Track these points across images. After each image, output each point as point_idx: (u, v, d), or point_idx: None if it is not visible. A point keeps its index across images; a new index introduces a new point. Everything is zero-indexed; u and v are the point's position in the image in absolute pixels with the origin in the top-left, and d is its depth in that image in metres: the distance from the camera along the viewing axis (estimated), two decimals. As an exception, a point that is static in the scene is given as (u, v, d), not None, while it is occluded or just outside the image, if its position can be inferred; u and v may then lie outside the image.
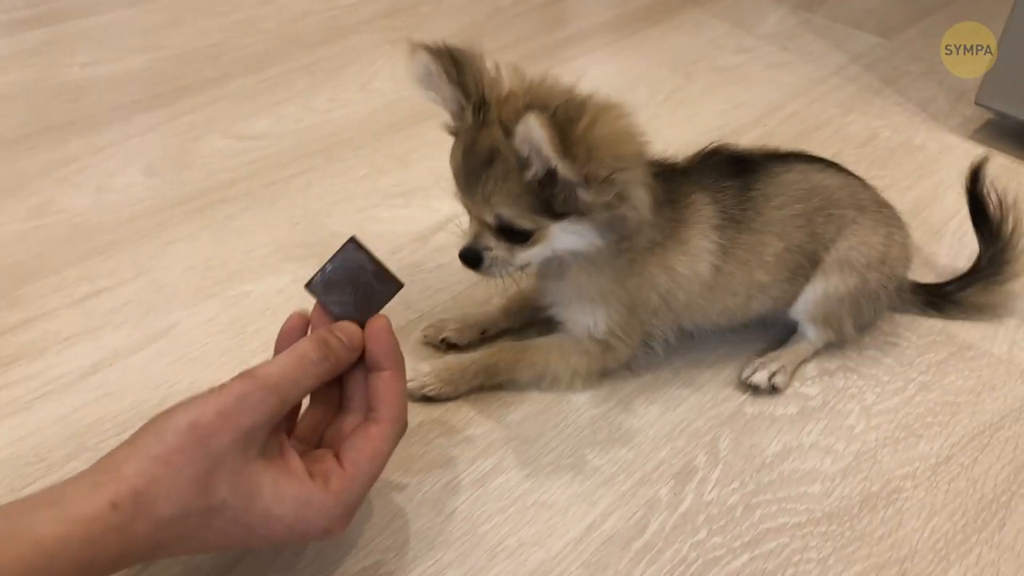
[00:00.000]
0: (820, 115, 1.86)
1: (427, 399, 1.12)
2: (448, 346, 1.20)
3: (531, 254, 1.02)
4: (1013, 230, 1.30)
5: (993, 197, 1.31)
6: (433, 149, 1.66)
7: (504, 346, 1.17)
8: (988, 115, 1.84)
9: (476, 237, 1.03)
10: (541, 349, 1.16)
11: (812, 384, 1.21)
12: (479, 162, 0.96)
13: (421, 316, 1.26)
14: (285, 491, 0.79)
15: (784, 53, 2.12)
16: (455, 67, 0.97)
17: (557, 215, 0.97)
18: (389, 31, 2.08)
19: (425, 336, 1.20)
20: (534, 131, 0.87)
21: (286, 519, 0.79)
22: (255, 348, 1.20)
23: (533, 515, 1.01)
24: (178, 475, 0.74)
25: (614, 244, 1.04)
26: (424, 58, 0.96)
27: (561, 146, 0.87)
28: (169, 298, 1.27)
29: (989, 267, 1.33)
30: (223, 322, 1.24)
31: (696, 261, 1.10)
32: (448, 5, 2.23)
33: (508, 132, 0.92)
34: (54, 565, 0.68)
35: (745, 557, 0.98)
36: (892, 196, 1.27)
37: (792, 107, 1.89)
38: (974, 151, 1.75)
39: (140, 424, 1.06)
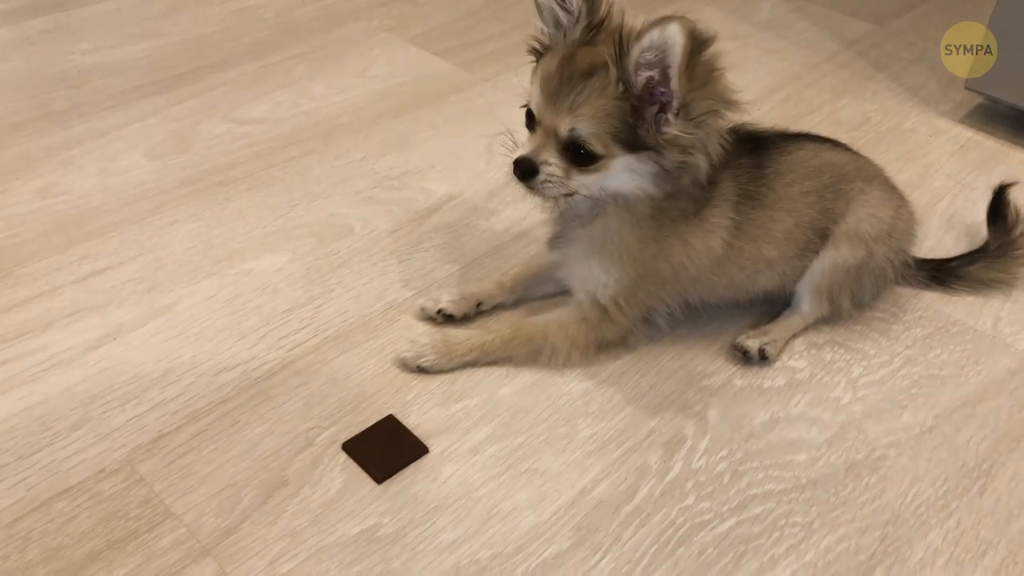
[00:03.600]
0: (813, 100, 1.88)
1: (422, 370, 1.15)
2: (445, 318, 1.22)
3: (585, 182, 1.03)
4: (1022, 235, 1.36)
5: (1012, 206, 1.37)
6: (430, 133, 1.69)
7: (501, 325, 1.20)
8: (978, 99, 1.87)
9: (538, 149, 1.03)
10: (539, 323, 1.19)
11: (800, 358, 1.23)
12: (577, 74, 0.99)
13: (418, 293, 1.29)
14: None
15: (778, 40, 2.14)
16: None
17: (630, 147, 1.00)
18: (386, 19, 2.10)
19: (423, 309, 1.23)
20: (674, 36, 0.90)
21: None
22: (254, 324, 1.23)
23: (526, 481, 1.04)
24: None
25: (658, 200, 1.06)
26: None
27: (688, 61, 0.91)
28: (170, 276, 1.30)
29: (997, 251, 1.37)
30: (223, 299, 1.27)
31: (711, 236, 1.13)
32: (445, -7, 2.26)
33: (623, 52, 0.94)
34: None
35: (732, 521, 1.01)
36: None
37: (785, 92, 1.91)
38: (964, 135, 1.78)
39: (143, 396, 1.11)
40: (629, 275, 1.13)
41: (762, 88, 1.91)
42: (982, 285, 1.35)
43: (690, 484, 1.05)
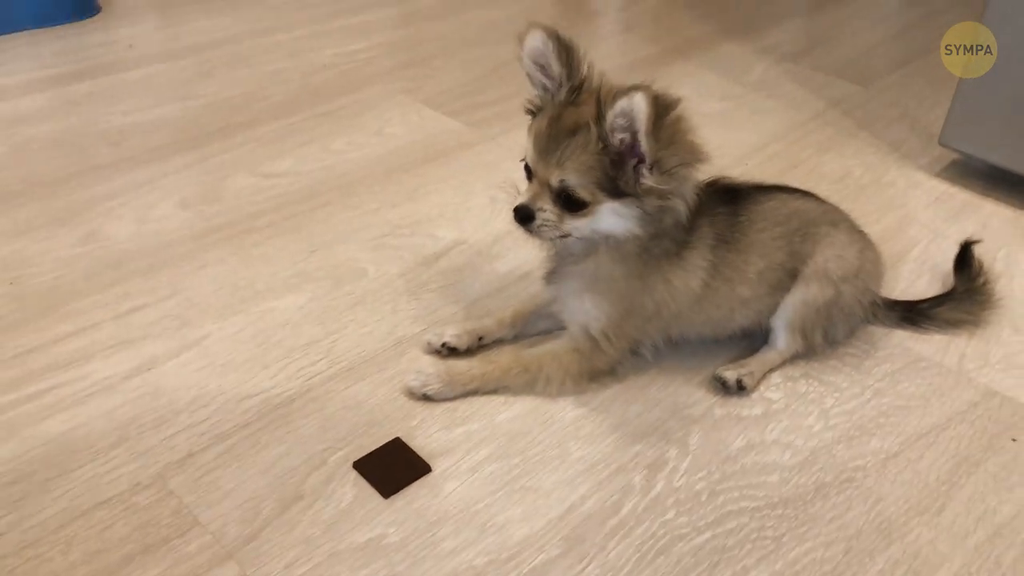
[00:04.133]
0: (798, 155, 2.01)
1: (427, 398, 1.26)
2: (449, 351, 1.34)
3: (576, 225, 1.16)
4: (985, 283, 1.49)
5: (977, 258, 1.51)
6: (439, 185, 1.83)
7: (500, 356, 1.31)
8: (954, 155, 1.99)
9: (534, 197, 1.16)
10: (535, 354, 1.30)
11: (776, 389, 1.34)
12: (563, 132, 1.12)
13: (424, 329, 1.40)
14: None
15: (768, 100, 2.28)
16: (565, 50, 1.13)
17: (614, 194, 1.12)
18: (403, 82, 2.27)
19: (428, 343, 1.34)
20: (638, 105, 1.02)
21: None
22: (275, 356, 1.35)
23: (520, 497, 1.14)
24: None
25: (644, 240, 1.18)
26: (541, 36, 1.13)
27: (653, 125, 1.04)
28: (201, 313, 1.43)
29: (963, 294, 1.49)
30: (248, 334, 1.39)
31: (691, 277, 1.25)
32: (458, 59, 2.42)
33: (601, 113, 1.07)
34: None
35: (708, 534, 1.10)
36: (860, 227, 1.42)
37: (773, 148, 2.04)
38: (939, 188, 1.90)
39: (175, 419, 1.22)
40: (617, 310, 1.24)
41: (751, 144, 2.05)
42: (949, 325, 1.46)
43: (671, 501, 1.14)
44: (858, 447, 1.24)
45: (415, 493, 1.14)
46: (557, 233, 1.18)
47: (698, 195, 1.18)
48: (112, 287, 1.48)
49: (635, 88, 1.03)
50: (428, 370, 1.28)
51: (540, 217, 1.16)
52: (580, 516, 1.11)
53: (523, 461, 1.19)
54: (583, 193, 1.13)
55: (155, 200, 1.73)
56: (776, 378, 1.35)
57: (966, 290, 1.48)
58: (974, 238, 1.53)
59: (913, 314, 1.46)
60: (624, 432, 1.24)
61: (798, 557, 1.08)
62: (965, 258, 1.51)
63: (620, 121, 1.05)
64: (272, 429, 1.22)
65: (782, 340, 1.35)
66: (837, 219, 1.37)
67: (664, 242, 1.21)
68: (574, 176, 1.12)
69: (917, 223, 1.77)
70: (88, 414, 1.22)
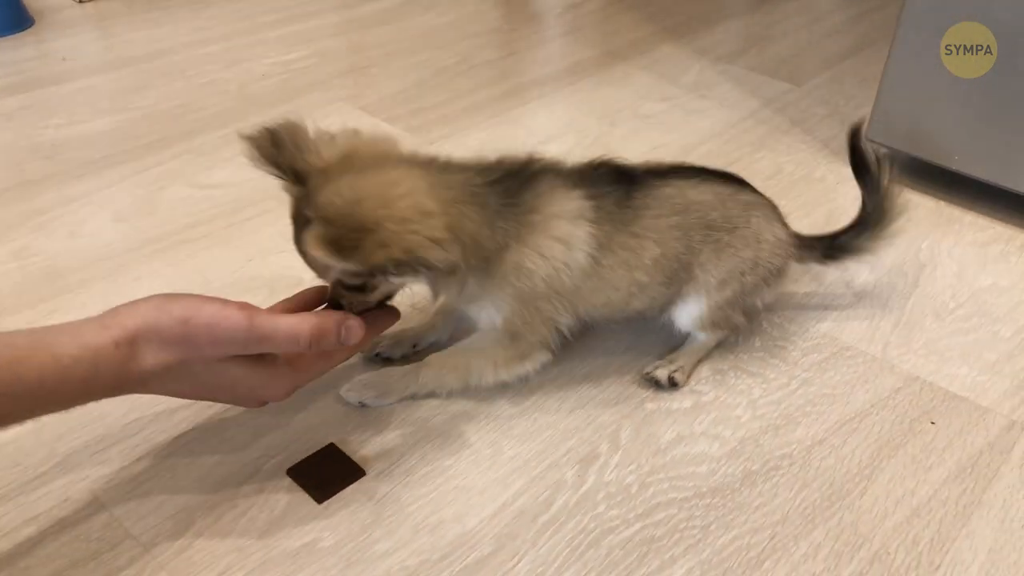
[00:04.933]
0: (731, 153, 2.06)
1: (363, 405, 1.27)
2: (383, 360, 1.34)
3: (378, 294, 1.16)
4: (889, 182, 1.48)
5: (871, 153, 1.48)
6: (377, 192, 1.83)
7: (430, 358, 1.32)
8: (881, 150, 2.04)
9: (331, 288, 1.16)
10: (461, 352, 1.31)
11: (706, 382, 1.37)
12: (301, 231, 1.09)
13: (360, 335, 1.41)
14: (251, 366, 1.07)
15: (703, 100, 2.33)
16: (275, 148, 1.09)
17: (379, 273, 1.07)
18: (341, 89, 2.27)
19: (361, 352, 1.35)
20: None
21: (249, 380, 1.09)
22: (211, 367, 1.34)
23: (453, 497, 1.15)
24: (163, 344, 0.98)
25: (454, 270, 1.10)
26: (247, 147, 1.10)
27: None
28: (134, 327, 1.42)
29: (873, 215, 1.48)
30: (183, 346, 1.38)
31: (573, 251, 1.20)
32: (396, 66, 2.43)
33: None
34: (66, 377, 0.91)
35: (637, 526, 1.12)
36: (791, 221, 1.46)
37: (706, 147, 2.08)
38: (867, 181, 1.95)
39: (107, 433, 1.22)
40: (508, 304, 1.22)
41: (685, 145, 2.08)
42: (868, 255, 1.48)
43: (601, 495, 1.16)
44: (784, 435, 1.27)
45: (349, 497, 1.14)
46: (371, 304, 1.17)
47: (471, 233, 1.11)
48: (43, 302, 1.46)
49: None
50: (363, 378, 1.28)
51: (344, 303, 1.15)
52: (512, 513, 1.13)
53: (456, 462, 1.20)
54: (355, 281, 1.11)
55: (89, 214, 1.72)
56: (705, 371, 1.39)
57: (875, 207, 1.47)
58: (857, 123, 1.51)
59: (833, 250, 1.47)
60: (557, 429, 1.26)
61: (725, 544, 1.10)
62: (857, 157, 1.48)
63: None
64: (206, 439, 1.22)
65: (703, 336, 1.38)
66: (734, 217, 1.33)
67: (479, 254, 1.14)
68: (335, 273, 1.09)
69: (846, 217, 1.79)
70: (16, 431, 1.20)
